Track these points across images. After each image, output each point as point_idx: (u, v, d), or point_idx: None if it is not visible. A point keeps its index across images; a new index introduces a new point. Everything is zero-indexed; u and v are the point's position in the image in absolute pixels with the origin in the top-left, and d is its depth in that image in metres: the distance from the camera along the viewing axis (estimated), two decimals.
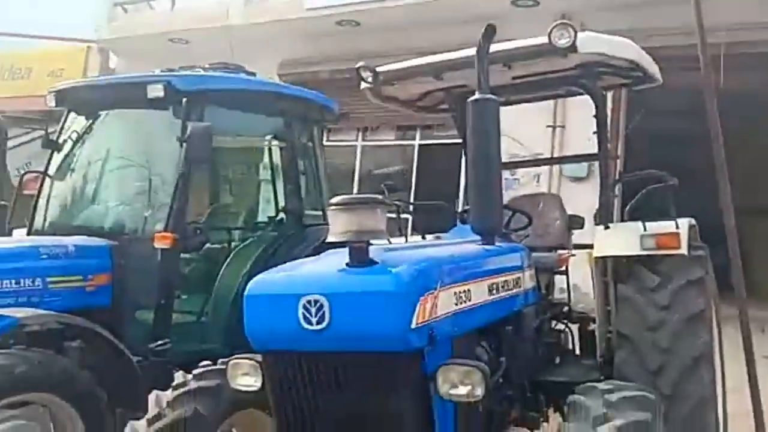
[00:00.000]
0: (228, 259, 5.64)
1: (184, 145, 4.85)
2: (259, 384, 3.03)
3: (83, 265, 4.81)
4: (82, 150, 5.63)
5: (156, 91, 4.98)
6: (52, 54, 14.67)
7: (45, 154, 10.90)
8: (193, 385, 3.28)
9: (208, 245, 5.41)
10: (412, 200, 10.84)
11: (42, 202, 5.63)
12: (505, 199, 4.08)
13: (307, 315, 2.73)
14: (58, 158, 5.69)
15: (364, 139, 12.90)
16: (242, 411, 3.44)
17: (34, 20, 14.95)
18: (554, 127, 11.00)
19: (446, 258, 3.17)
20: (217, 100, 5.20)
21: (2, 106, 14.89)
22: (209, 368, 3.40)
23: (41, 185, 5.69)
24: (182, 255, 5.10)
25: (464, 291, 3.10)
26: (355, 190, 11.86)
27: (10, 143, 13.60)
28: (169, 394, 3.26)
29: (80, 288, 4.76)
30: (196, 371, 3.36)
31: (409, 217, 7.79)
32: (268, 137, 5.99)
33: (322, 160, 6.32)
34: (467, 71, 3.87)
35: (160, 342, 4.70)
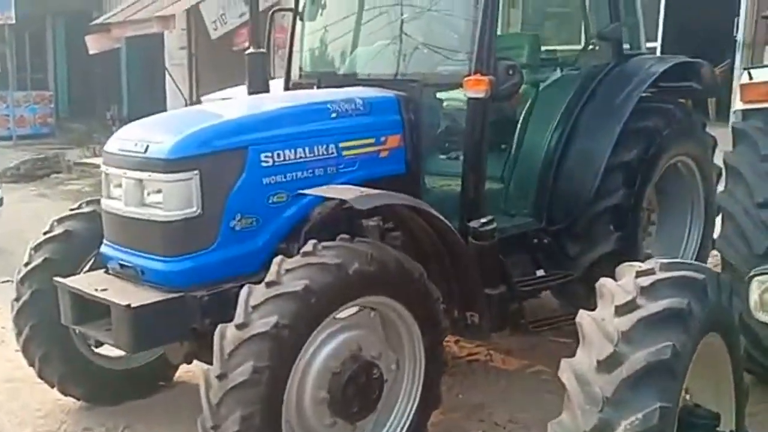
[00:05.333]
0: (529, 105, 4.40)
1: None
2: None
3: (374, 123, 3.74)
4: None
5: None
6: None
7: (236, 5, 9.61)
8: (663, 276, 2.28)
9: None
10: None
11: (297, 46, 4.59)
12: None
13: None
14: None
15: None
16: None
17: None
18: None
19: None
20: None
21: None
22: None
23: (293, 27, 4.63)
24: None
25: None
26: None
27: None
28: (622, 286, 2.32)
29: (374, 154, 3.71)
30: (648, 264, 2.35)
31: None
32: None
33: None
34: None
35: (484, 220, 3.62)
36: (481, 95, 3.64)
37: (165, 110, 14.37)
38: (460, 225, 3.68)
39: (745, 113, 3.73)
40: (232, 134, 3.24)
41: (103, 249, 3.43)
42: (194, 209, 3.12)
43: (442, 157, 4.20)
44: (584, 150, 4.22)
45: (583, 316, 2.35)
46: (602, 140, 4.19)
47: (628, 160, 4.21)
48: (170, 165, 3.09)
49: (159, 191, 3.13)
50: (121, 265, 3.31)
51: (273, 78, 4.68)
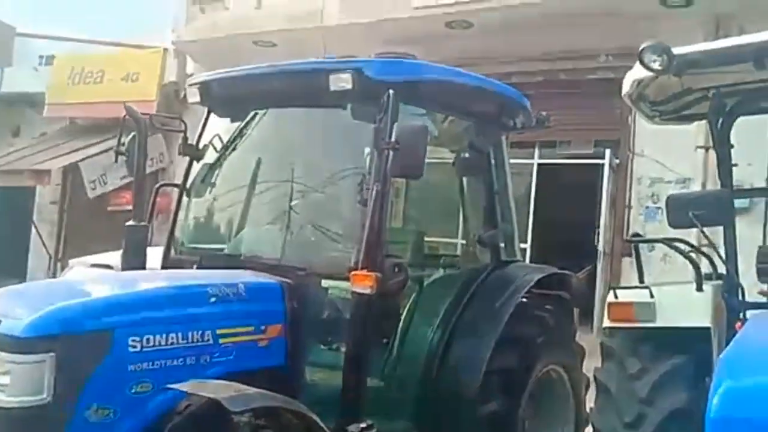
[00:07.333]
0: (412, 301, 4.40)
1: (389, 153, 3.62)
2: None
3: (255, 311, 3.59)
4: (232, 159, 4.45)
5: (342, 81, 3.78)
6: (127, 57, 13.59)
7: (119, 168, 9.39)
8: None
9: None
10: None
11: (180, 222, 4.47)
12: None
13: None
14: (198, 169, 4.50)
15: None
16: None
17: (106, 21, 14.01)
18: (706, 149, 9.64)
19: None
20: (417, 95, 4.00)
21: (73, 113, 13.97)
22: None
23: (179, 202, 4.53)
24: None
25: None
26: None
27: (82, 153, 12.75)
28: None
29: (253, 343, 3.53)
30: None
31: None
32: (459, 145, 4.76)
33: (510, 177, 5.04)
34: None
35: (363, 425, 3.43)
36: (367, 291, 3.60)
37: (26, 266, 13.60)
38: (337, 426, 3.48)
39: (612, 331, 3.82)
40: (97, 314, 2.98)
41: None
42: (44, 396, 2.77)
43: (324, 348, 4.05)
44: (465, 354, 4.16)
45: None
46: (482, 345, 4.17)
47: (507, 367, 4.18)
48: (22, 344, 2.77)
49: (6, 373, 2.77)
50: None
51: (150, 245, 4.47)
